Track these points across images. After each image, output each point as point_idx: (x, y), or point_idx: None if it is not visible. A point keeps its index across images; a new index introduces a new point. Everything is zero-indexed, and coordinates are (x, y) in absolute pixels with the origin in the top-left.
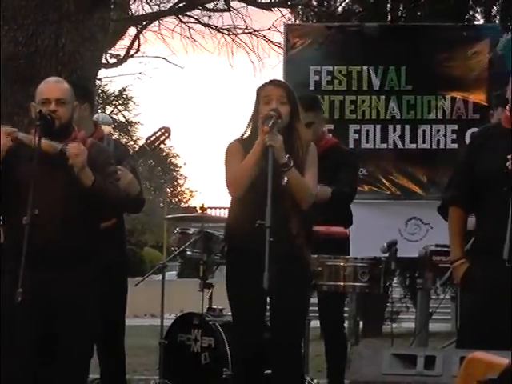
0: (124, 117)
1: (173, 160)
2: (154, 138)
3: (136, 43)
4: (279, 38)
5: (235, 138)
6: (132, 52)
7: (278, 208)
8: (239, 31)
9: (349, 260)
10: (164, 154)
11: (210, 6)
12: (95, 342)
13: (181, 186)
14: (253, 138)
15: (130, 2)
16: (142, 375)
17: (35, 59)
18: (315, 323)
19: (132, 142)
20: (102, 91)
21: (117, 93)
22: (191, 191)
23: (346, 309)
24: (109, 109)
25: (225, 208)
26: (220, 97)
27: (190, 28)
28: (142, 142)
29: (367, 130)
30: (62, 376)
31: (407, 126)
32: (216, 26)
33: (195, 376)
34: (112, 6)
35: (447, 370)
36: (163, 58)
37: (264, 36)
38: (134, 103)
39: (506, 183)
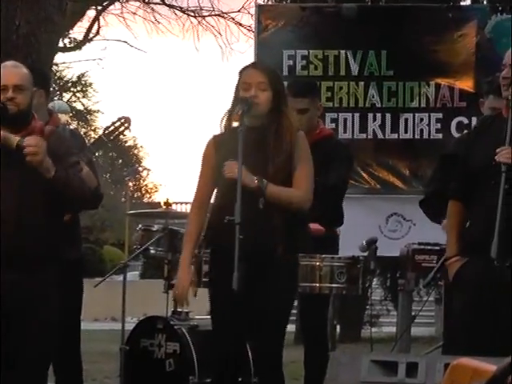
0: (83, 105)
1: (135, 152)
2: (112, 128)
3: (96, 26)
4: (249, 20)
5: (214, 134)
6: (91, 36)
7: (256, 204)
8: (206, 13)
9: (325, 259)
10: (127, 145)
11: None
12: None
13: (144, 179)
14: (230, 132)
15: None
16: (102, 383)
17: None
18: (291, 327)
19: (91, 132)
20: (59, 77)
21: (75, 79)
22: (155, 185)
23: None
24: (66, 96)
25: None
26: (186, 83)
27: (153, 10)
28: (101, 132)
29: (345, 119)
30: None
31: (388, 115)
32: (181, 8)
33: None
34: None
35: (430, 378)
36: (125, 42)
37: (233, 18)
38: (94, 90)
39: (495, 176)
